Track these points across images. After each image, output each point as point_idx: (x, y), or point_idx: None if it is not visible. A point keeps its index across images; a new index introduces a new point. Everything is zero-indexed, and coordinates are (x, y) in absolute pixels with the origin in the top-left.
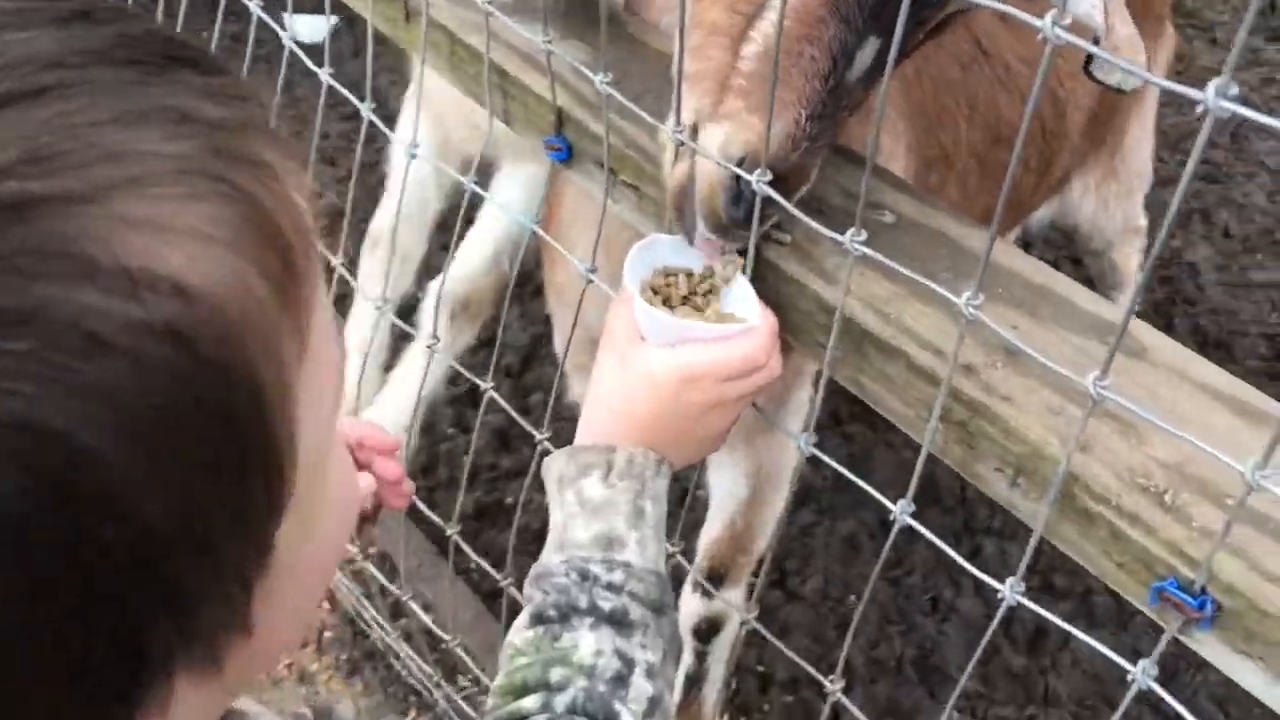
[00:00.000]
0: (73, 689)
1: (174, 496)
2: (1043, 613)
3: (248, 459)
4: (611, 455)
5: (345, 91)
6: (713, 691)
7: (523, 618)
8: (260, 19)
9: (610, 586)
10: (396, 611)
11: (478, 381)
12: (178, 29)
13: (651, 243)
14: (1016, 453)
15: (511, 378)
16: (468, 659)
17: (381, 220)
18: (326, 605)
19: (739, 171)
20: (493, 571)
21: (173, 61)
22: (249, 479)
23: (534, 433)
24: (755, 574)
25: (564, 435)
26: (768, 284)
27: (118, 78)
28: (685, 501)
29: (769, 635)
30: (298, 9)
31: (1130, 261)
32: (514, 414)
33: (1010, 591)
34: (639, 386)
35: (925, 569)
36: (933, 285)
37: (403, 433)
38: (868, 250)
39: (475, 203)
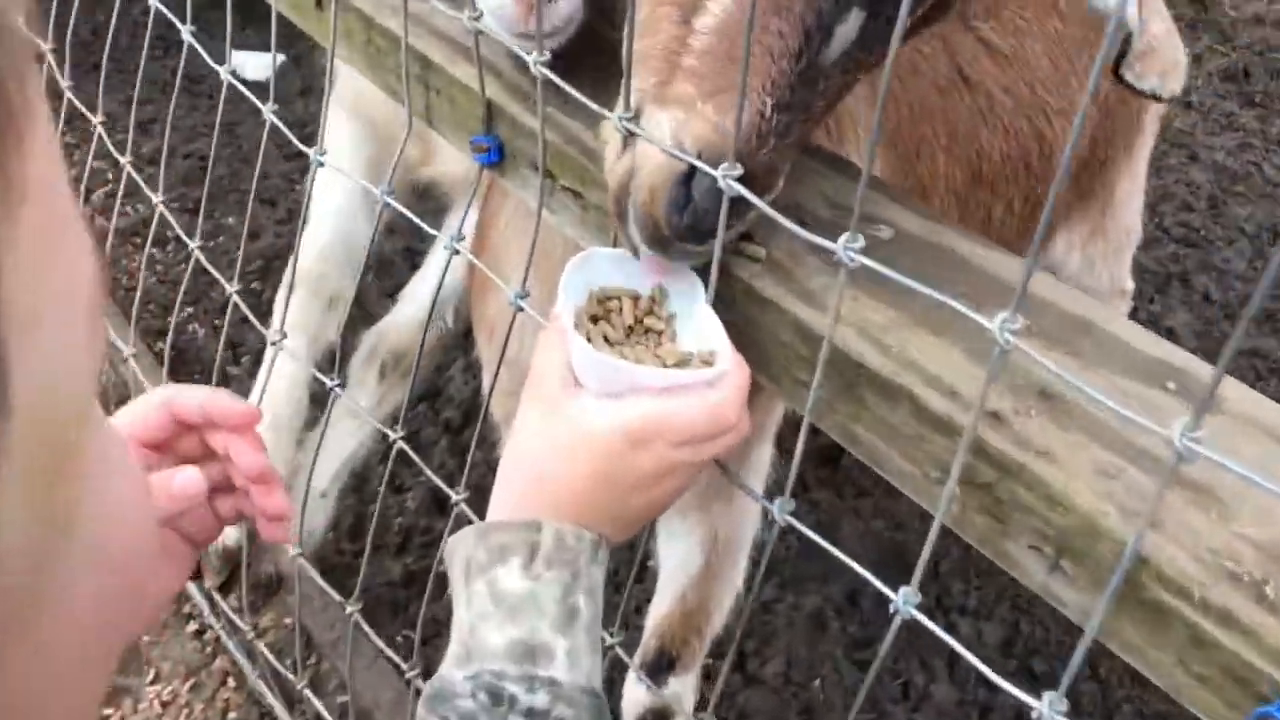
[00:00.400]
0: None
1: None
2: None
3: None
4: (535, 535)
5: (288, 130)
6: None
7: None
8: (205, 56)
9: (531, 714)
10: (315, 687)
11: (386, 431)
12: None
13: (588, 259)
14: (1060, 526)
15: (451, 433)
16: None
17: (304, 258)
18: (232, 682)
19: (695, 162)
20: (398, 661)
21: None
22: None
23: (450, 493)
24: (710, 656)
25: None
26: (737, 308)
27: None
28: (631, 572)
29: None
30: (243, 45)
31: None
32: (429, 473)
33: (1050, 710)
34: (572, 445)
35: (895, 650)
36: (957, 305)
37: (320, 499)
38: (867, 261)
39: (424, 243)
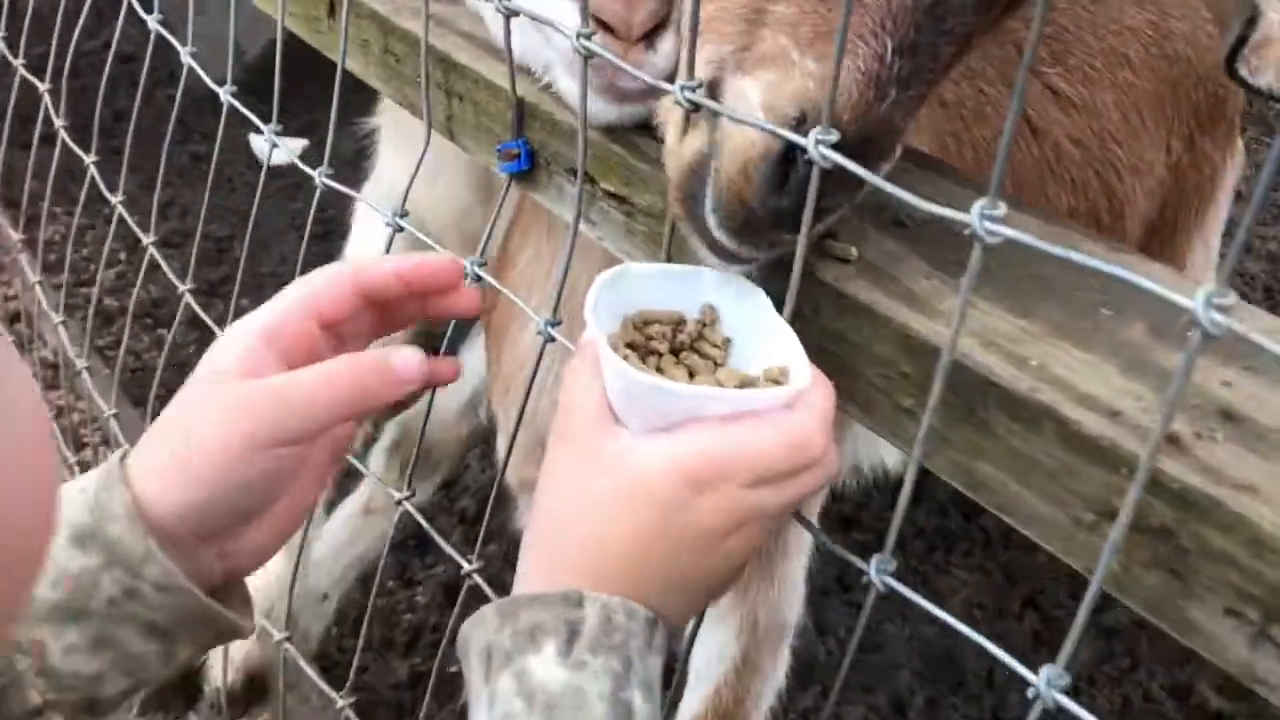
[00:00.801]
0: None
1: None
2: None
3: None
4: (576, 611)
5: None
6: None
7: None
8: (224, 138)
9: None
10: None
11: (394, 492)
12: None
13: (620, 277)
14: (1271, 582)
15: (466, 523)
16: None
17: None
18: None
19: (790, 137)
20: None
21: None
22: None
23: (463, 562)
24: None
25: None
26: (820, 320)
27: None
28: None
29: None
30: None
31: None
32: (439, 539)
33: (1046, 687)
34: (617, 495)
35: None
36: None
37: (320, 601)
38: (1009, 231)
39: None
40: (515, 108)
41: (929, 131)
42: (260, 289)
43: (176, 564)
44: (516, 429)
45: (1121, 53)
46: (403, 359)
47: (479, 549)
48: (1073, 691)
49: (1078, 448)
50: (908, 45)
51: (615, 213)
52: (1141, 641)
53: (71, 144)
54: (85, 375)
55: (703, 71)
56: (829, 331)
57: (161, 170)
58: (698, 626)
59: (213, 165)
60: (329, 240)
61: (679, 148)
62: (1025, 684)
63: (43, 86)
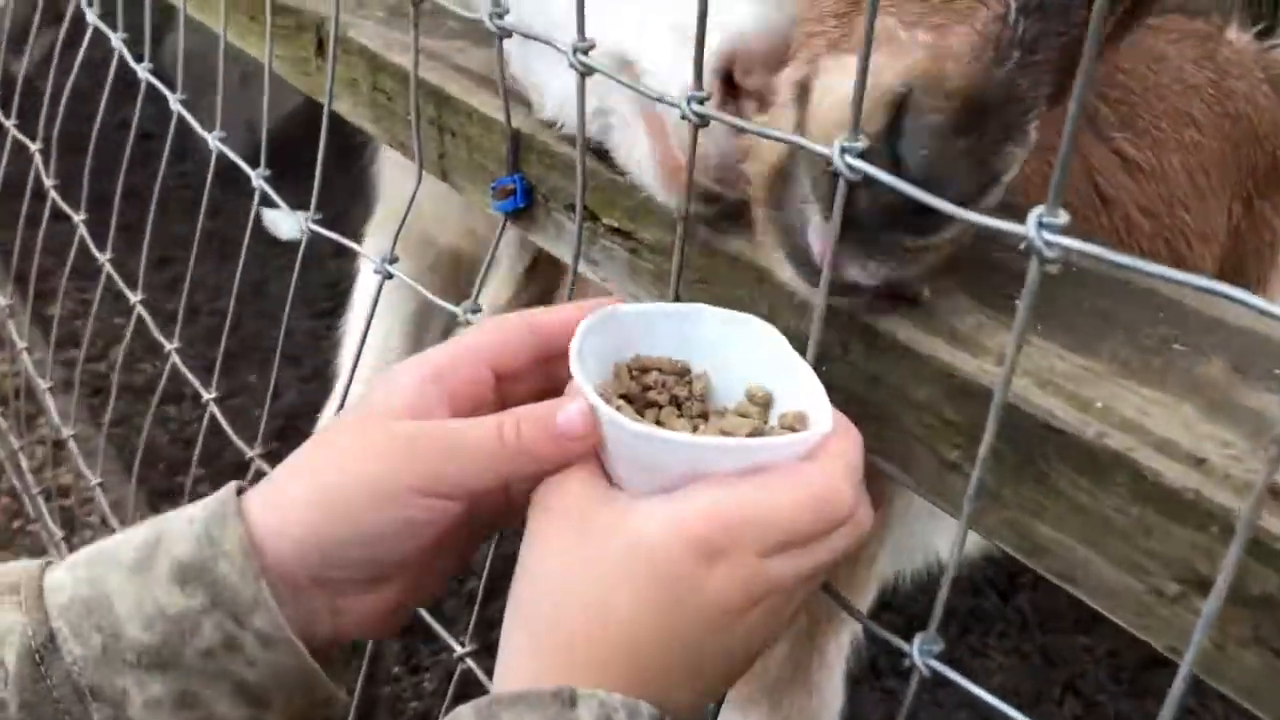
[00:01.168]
0: None
1: None
2: None
3: None
4: (569, 714)
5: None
6: None
7: None
8: (232, 211)
9: None
10: None
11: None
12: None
13: (610, 319)
14: None
15: (471, 605)
16: None
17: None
18: None
19: (820, 147)
20: None
21: None
22: None
23: (454, 644)
24: None
25: None
26: (848, 360)
27: None
28: None
29: None
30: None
31: None
32: (428, 616)
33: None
34: (614, 571)
35: None
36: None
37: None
38: (1073, 243)
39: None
40: (510, 140)
41: None
42: (266, 363)
43: (285, 613)
44: None
45: (1186, 112)
46: (566, 416)
47: (470, 632)
48: None
49: (1157, 502)
50: (1033, 5)
51: (619, 249)
52: None
53: (39, 164)
54: (72, 444)
55: (795, 74)
56: (860, 374)
57: (192, 262)
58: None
59: (244, 246)
60: (335, 315)
61: (761, 151)
62: None
63: (33, 145)
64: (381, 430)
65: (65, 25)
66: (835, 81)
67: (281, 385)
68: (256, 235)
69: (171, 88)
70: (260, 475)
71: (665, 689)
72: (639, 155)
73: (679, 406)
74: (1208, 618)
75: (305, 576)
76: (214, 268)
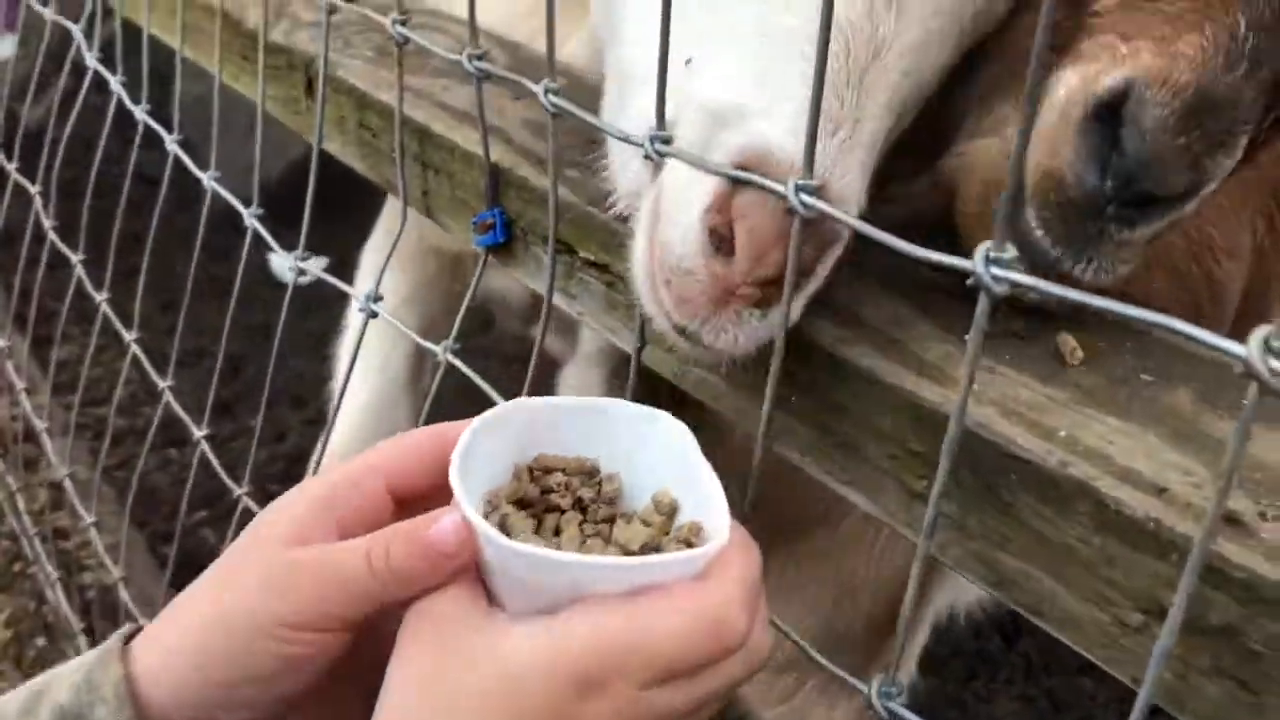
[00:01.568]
0: None
1: None
2: None
3: None
4: None
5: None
6: None
7: None
8: (248, 257)
9: None
10: None
11: None
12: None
13: (509, 415)
14: None
15: None
16: None
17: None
18: None
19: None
20: None
21: None
22: None
23: None
24: None
25: None
26: (814, 391)
27: None
28: None
29: None
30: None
31: None
32: None
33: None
34: (486, 702)
35: None
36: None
37: None
38: (1021, 279)
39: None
40: (489, 175)
41: None
42: (272, 406)
43: None
44: None
45: None
46: (439, 530)
47: None
48: None
49: (1119, 532)
50: (1264, 23)
51: (596, 282)
52: None
53: (39, 208)
54: (68, 484)
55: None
56: (827, 404)
57: (186, 301)
58: None
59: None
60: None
61: (976, 168)
62: None
63: (33, 188)
64: (261, 562)
65: (66, 71)
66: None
67: (285, 428)
68: (263, 280)
69: (181, 133)
70: (249, 515)
71: None
72: (637, 253)
73: (584, 511)
74: (1164, 648)
75: (186, 719)
76: (220, 310)
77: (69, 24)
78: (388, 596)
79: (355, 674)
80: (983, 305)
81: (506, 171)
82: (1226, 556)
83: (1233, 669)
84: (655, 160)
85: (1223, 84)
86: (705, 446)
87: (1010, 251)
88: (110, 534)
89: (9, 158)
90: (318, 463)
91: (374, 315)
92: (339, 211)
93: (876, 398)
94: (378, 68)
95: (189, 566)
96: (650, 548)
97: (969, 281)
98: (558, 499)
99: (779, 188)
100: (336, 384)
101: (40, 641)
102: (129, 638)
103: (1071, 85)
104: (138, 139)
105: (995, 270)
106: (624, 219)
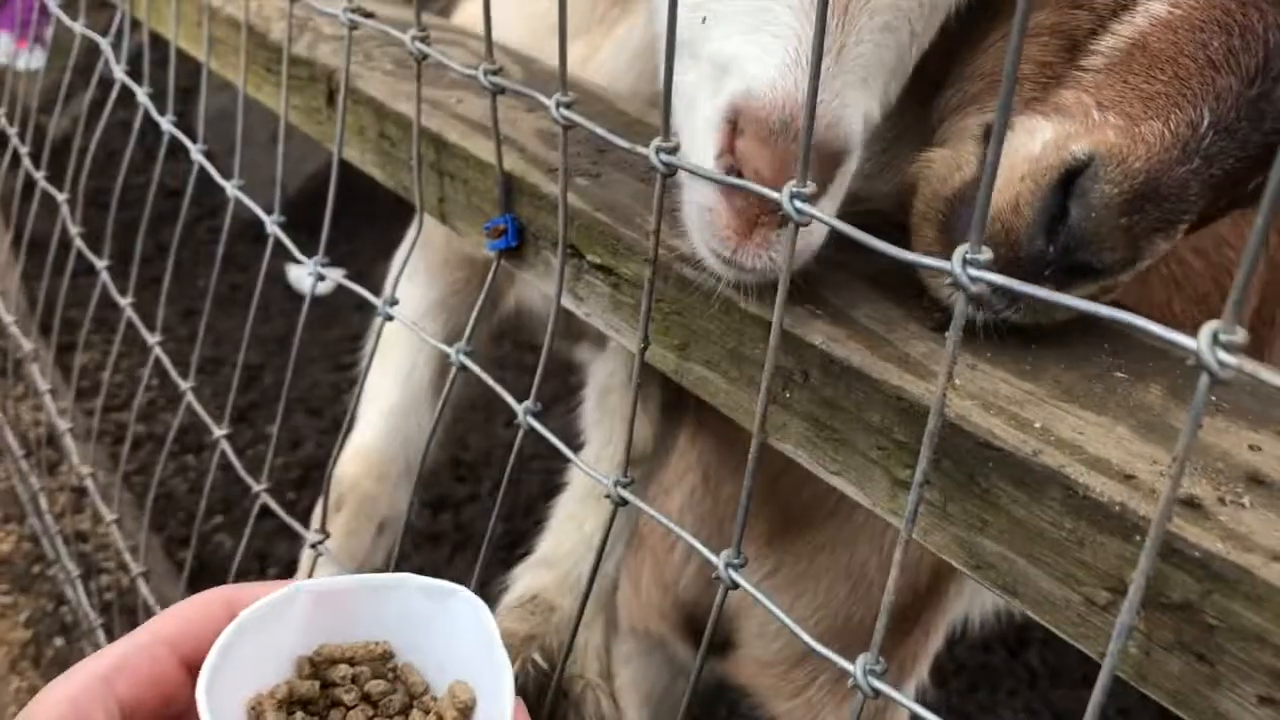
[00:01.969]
0: None
1: None
2: None
3: None
4: None
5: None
6: None
7: None
8: (266, 269)
9: None
10: None
11: None
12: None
13: (289, 601)
14: None
15: None
16: None
17: (348, 467)
18: None
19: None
20: None
21: None
22: None
23: None
24: None
25: None
26: (808, 386)
27: None
28: None
29: None
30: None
31: None
32: None
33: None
34: None
35: None
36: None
37: None
38: (995, 278)
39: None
40: (501, 182)
41: None
42: (289, 414)
43: None
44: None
45: None
46: None
47: None
48: None
49: (1088, 516)
50: (1224, 125)
51: (602, 285)
52: None
53: (67, 215)
54: (89, 483)
55: (980, 119)
56: (820, 399)
57: (207, 307)
58: None
59: (256, 293)
60: (356, 368)
61: (939, 169)
62: None
63: (60, 196)
64: None
65: (93, 84)
66: (1019, 143)
67: (302, 436)
68: (284, 291)
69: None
70: (267, 514)
71: None
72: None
73: (374, 705)
74: (1125, 623)
75: None
76: (241, 321)
77: (98, 37)
78: None
79: None
80: (960, 304)
81: (519, 179)
82: (1186, 538)
83: (1192, 643)
84: (660, 170)
85: (1173, 176)
86: (710, 448)
87: (986, 254)
88: (129, 538)
89: (37, 167)
90: (333, 463)
91: (389, 319)
92: (356, 229)
93: (865, 393)
94: (397, 79)
95: (205, 570)
96: None
97: (948, 282)
98: (342, 693)
99: (775, 195)
100: (367, 389)
101: (59, 641)
102: None
103: (1046, 141)
104: (163, 149)
105: (971, 271)
106: (626, 223)
